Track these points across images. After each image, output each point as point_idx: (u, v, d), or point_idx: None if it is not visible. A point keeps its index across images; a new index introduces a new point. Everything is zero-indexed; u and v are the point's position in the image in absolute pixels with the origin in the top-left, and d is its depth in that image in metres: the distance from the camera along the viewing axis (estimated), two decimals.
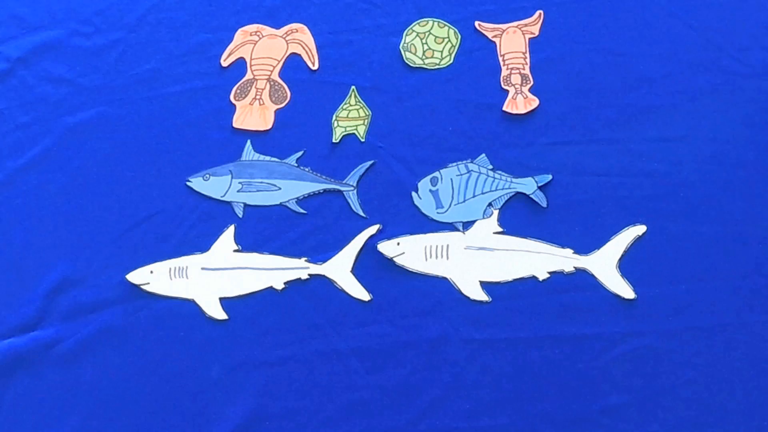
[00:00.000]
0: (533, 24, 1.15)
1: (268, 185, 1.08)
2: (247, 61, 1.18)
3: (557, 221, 1.02)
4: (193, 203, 1.08)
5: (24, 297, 1.04)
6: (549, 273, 1.00)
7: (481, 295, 0.99)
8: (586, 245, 1.01)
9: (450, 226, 1.04)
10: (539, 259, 1.00)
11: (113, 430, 0.97)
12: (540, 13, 1.16)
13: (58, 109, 1.16)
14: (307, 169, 1.09)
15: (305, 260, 1.03)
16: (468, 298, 0.99)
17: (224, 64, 1.18)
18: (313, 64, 1.16)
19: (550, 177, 1.04)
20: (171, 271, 1.03)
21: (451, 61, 1.14)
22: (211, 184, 1.08)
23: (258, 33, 1.20)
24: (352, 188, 1.07)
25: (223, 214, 1.07)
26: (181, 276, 1.03)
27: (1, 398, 0.99)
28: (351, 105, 1.12)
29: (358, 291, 1.01)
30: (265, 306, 1.02)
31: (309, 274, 1.02)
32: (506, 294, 0.99)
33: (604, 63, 1.11)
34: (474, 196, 1.05)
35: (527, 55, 1.13)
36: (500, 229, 1.03)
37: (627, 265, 0.99)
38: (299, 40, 1.18)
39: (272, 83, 1.16)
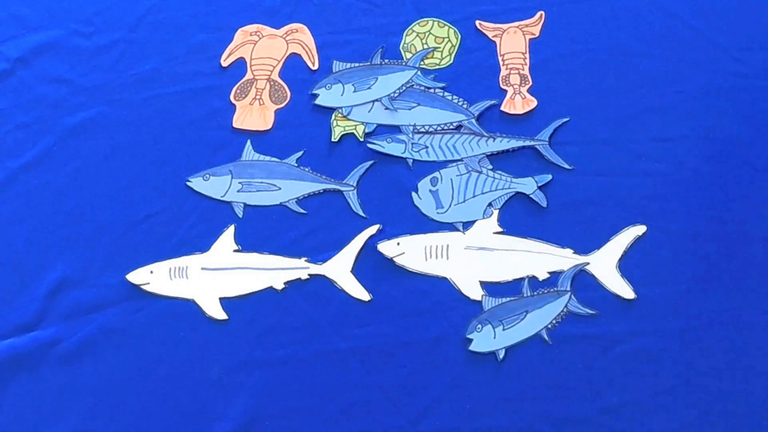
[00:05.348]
0: (534, 25, 1.15)
1: (268, 185, 1.08)
2: (247, 61, 1.18)
3: (557, 221, 1.02)
4: (193, 203, 1.08)
5: (24, 297, 1.04)
6: (549, 273, 0.99)
7: (481, 295, 0.99)
8: (586, 245, 1.01)
9: (450, 226, 1.04)
10: (539, 259, 1.00)
11: (113, 430, 0.97)
12: (541, 14, 1.16)
13: (58, 109, 1.15)
14: (307, 169, 1.09)
15: (305, 260, 1.03)
16: (468, 298, 0.99)
17: (224, 64, 1.17)
18: (313, 64, 1.16)
19: (550, 177, 1.04)
20: (171, 271, 1.03)
21: (451, 61, 1.14)
22: (211, 184, 1.08)
23: (258, 33, 1.20)
24: (352, 188, 1.07)
25: (223, 214, 1.07)
26: (181, 276, 1.03)
27: (1, 398, 0.99)
28: None
29: (358, 291, 1.01)
30: (265, 306, 1.01)
31: (309, 274, 1.02)
32: (506, 294, 0.99)
33: (604, 63, 1.11)
34: (474, 196, 1.05)
35: (527, 55, 1.13)
36: (500, 229, 1.03)
37: (627, 265, 0.99)
38: (299, 40, 1.18)
39: (272, 83, 1.16)
